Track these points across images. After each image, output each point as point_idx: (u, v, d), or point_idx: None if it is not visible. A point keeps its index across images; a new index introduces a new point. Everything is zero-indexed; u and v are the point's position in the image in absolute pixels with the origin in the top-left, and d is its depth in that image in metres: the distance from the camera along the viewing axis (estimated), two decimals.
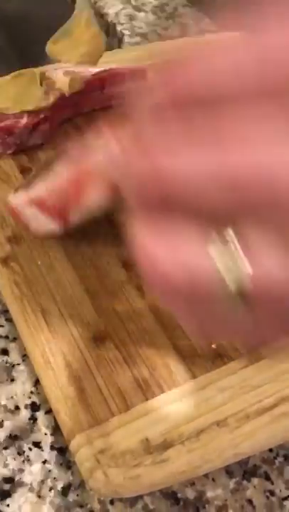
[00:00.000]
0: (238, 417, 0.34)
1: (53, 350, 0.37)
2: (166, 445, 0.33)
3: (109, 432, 0.33)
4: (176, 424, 0.33)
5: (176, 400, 0.35)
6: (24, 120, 0.49)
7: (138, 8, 0.80)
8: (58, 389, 0.35)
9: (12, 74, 0.53)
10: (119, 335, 0.38)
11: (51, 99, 0.51)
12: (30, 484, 0.34)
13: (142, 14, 0.79)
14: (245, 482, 0.34)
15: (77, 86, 0.52)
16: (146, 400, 0.35)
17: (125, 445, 0.33)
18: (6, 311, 0.42)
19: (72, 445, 0.33)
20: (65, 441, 0.34)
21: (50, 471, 0.34)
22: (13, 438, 0.36)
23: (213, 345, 0.37)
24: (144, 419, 0.34)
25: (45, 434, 0.36)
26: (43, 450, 0.35)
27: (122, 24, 0.77)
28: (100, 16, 0.80)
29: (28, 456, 0.35)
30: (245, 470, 0.35)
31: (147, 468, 0.32)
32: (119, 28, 0.76)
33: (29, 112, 0.50)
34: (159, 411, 0.34)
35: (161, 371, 0.36)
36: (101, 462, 0.32)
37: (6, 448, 0.35)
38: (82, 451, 0.33)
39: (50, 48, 0.54)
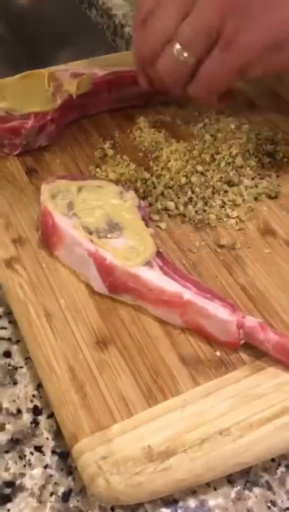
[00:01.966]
0: (241, 426, 0.34)
1: (56, 354, 0.37)
2: (168, 453, 0.32)
3: (112, 438, 0.33)
4: (178, 432, 0.33)
5: (179, 408, 0.34)
6: (31, 121, 0.49)
7: None
8: (61, 393, 0.35)
9: (20, 74, 0.53)
10: (123, 340, 0.38)
11: (58, 100, 0.51)
12: (31, 489, 0.34)
13: None
14: (246, 491, 0.34)
15: (84, 88, 0.52)
16: (149, 406, 0.35)
17: (127, 452, 0.32)
18: (9, 313, 0.42)
19: (75, 451, 0.33)
20: (67, 446, 0.34)
21: (51, 475, 0.34)
22: (14, 442, 0.36)
23: (217, 353, 0.37)
24: (147, 426, 0.34)
25: (47, 438, 0.36)
26: (44, 454, 0.35)
27: (129, 26, 0.76)
28: (108, 17, 0.80)
29: (29, 460, 0.35)
30: (246, 479, 0.35)
31: (149, 476, 0.32)
32: (126, 29, 0.76)
33: (36, 114, 0.50)
34: (162, 418, 0.34)
35: (165, 378, 0.36)
36: (103, 469, 0.32)
37: (7, 452, 0.35)
38: (84, 457, 0.32)
39: None
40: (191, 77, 0.45)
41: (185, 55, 0.43)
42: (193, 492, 0.34)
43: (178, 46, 0.43)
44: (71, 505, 0.33)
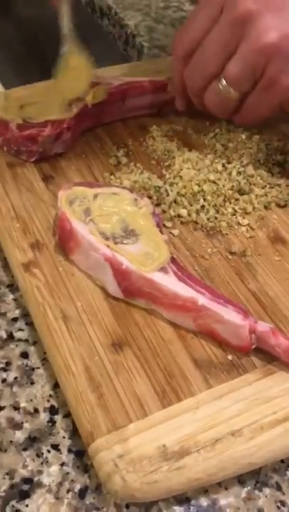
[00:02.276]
0: (253, 428, 0.35)
1: (73, 355, 0.38)
2: (182, 452, 0.34)
3: (128, 437, 0.34)
4: (192, 432, 0.34)
5: (193, 409, 0.36)
6: (48, 129, 0.51)
7: (157, 21, 0.82)
8: (78, 393, 0.36)
9: (38, 84, 0.55)
10: (138, 342, 0.39)
11: (74, 109, 0.53)
12: (49, 485, 0.35)
13: (161, 26, 0.81)
14: (257, 491, 0.35)
15: (100, 97, 0.54)
16: (164, 407, 0.36)
17: (143, 451, 0.34)
18: (26, 315, 0.43)
19: (91, 449, 0.34)
20: (84, 444, 0.35)
21: (67, 473, 0.35)
22: (32, 440, 0.37)
23: (229, 357, 0.38)
24: (162, 426, 0.35)
25: (63, 437, 0.37)
26: (61, 453, 0.36)
27: (141, 36, 0.78)
28: (120, 26, 0.81)
29: (46, 458, 0.36)
30: (257, 480, 0.36)
31: (164, 474, 0.33)
32: (138, 39, 0.77)
33: (52, 122, 0.51)
34: (176, 419, 0.35)
35: (178, 380, 0.37)
36: (119, 467, 0.33)
37: (25, 449, 0.36)
38: (100, 455, 0.34)
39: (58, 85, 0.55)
40: (236, 108, 0.50)
41: (231, 91, 0.47)
42: (205, 491, 0.35)
43: (224, 82, 0.47)
44: (87, 502, 0.34)
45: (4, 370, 0.40)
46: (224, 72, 0.47)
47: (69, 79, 0.54)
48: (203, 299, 0.38)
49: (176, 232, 0.47)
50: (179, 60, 0.50)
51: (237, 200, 0.49)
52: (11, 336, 0.42)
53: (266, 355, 0.38)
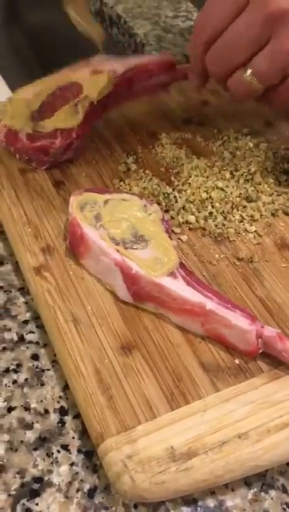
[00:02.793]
0: (259, 431, 0.35)
1: (83, 358, 0.39)
2: (190, 454, 0.34)
3: (137, 438, 0.35)
4: (200, 434, 0.35)
5: (201, 412, 0.36)
6: (58, 141, 0.51)
7: (166, 30, 0.83)
8: (88, 395, 0.37)
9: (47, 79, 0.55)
10: (146, 345, 0.40)
11: (80, 111, 0.52)
12: (58, 485, 0.36)
13: (170, 36, 0.82)
14: (263, 493, 0.36)
15: (106, 90, 0.53)
16: (172, 409, 0.36)
17: (151, 452, 0.34)
18: (36, 318, 0.44)
19: (101, 449, 0.35)
20: (93, 445, 0.36)
21: (77, 473, 0.36)
22: (42, 440, 0.37)
23: (236, 361, 0.39)
24: (170, 428, 0.35)
25: (73, 437, 0.38)
26: (70, 453, 0.37)
27: (150, 45, 0.79)
28: (129, 35, 0.83)
29: (56, 458, 0.37)
30: (263, 482, 0.36)
31: (172, 475, 0.34)
32: (147, 48, 0.79)
33: (62, 131, 0.51)
34: (184, 421, 0.36)
35: (186, 383, 0.38)
36: (128, 467, 0.34)
37: (35, 449, 0.37)
38: (110, 456, 0.34)
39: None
40: (262, 94, 0.49)
41: (255, 82, 0.47)
42: (212, 492, 0.36)
43: (249, 73, 0.46)
44: (96, 502, 0.35)
45: (15, 371, 0.41)
46: (251, 64, 0.46)
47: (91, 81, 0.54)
48: (211, 304, 0.39)
49: (184, 238, 0.48)
50: (200, 45, 0.50)
51: (244, 207, 0.50)
52: (21, 338, 0.43)
53: (273, 360, 0.39)
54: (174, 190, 0.51)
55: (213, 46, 0.48)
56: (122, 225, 0.44)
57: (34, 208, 0.49)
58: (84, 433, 0.38)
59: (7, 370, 0.41)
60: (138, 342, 0.40)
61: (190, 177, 0.52)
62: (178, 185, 0.51)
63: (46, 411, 0.39)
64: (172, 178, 0.52)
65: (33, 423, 0.38)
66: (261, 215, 0.50)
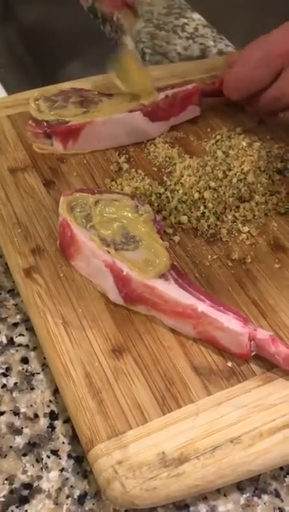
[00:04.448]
0: (252, 435, 0.35)
1: (73, 361, 0.38)
2: (182, 459, 0.34)
3: (127, 443, 0.34)
4: (191, 439, 0.35)
5: (192, 416, 0.36)
6: None
7: (159, 27, 0.82)
8: (78, 399, 0.36)
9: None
10: (138, 349, 0.39)
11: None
12: (48, 491, 0.35)
13: (162, 33, 0.81)
14: (255, 498, 0.35)
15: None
16: (163, 414, 0.36)
17: (142, 457, 0.34)
18: (26, 321, 0.43)
19: (91, 455, 0.34)
20: (83, 450, 0.35)
21: (67, 479, 0.36)
22: (31, 445, 0.37)
23: (229, 364, 0.39)
24: (161, 433, 0.35)
25: (63, 442, 0.37)
26: (60, 458, 0.36)
27: (143, 42, 0.78)
28: (122, 32, 0.82)
29: (46, 463, 0.36)
30: (256, 487, 0.36)
31: (163, 481, 0.33)
32: (140, 46, 0.78)
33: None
34: (176, 426, 0.35)
35: (178, 387, 0.37)
36: (118, 473, 0.33)
37: (25, 455, 0.36)
38: (100, 462, 0.34)
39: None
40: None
41: None
42: (204, 498, 0.35)
43: None
44: (86, 508, 0.34)
45: (4, 375, 0.40)
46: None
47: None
48: (203, 306, 0.39)
49: (176, 238, 0.47)
50: (236, 95, 0.54)
51: (237, 207, 0.49)
52: (11, 341, 0.42)
53: (266, 363, 0.38)
54: (166, 190, 0.50)
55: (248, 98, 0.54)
56: (113, 226, 0.43)
57: (24, 208, 0.48)
58: (74, 438, 0.37)
59: None
60: (129, 345, 0.40)
61: (182, 177, 0.51)
62: (170, 185, 0.51)
63: (36, 415, 0.38)
64: (164, 178, 0.52)
65: (22, 428, 0.38)
66: (254, 216, 0.49)
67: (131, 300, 0.41)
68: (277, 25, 0.54)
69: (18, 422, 0.38)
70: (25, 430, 0.38)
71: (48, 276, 0.43)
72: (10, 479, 0.35)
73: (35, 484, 0.35)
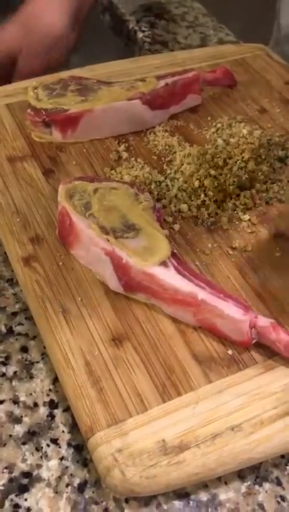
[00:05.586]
0: (253, 423, 0.35)
1: (72, 349, 0.38)
2: (182, 447, 0.33)
3: (127, 431, 0.34)
4: (192, 427, 0.34)
5: (193, 404, 0.36)
6: None
7: (159, 16, 0.82)
8: (78, 388, 0.36)
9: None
10: (138, 337, 0.39)
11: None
12: (48, 480, 0.35)
13: (163, 22, 0.80)
14: (257, 486, 0.35)
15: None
16: (163, 402, 0.36)
17: (142, 445, 0.33)
18: (25, 310, 0.43)
19: (91, 443, 0.34)
20: (83, 438, 0.35)
21: (67, 467, 0.35)
22: (31, 434, 0.37)
23: (229, 352, 0.38)
24: (161, 421, 0.35)
25: (63, 431, 0.37)
26: (60, 447, 0.36)
27: (142, 31, 0.78)
28: (121, 22, 0.81)
29: (45, 452, 0.36)
30: (257, 475, 0.36)
31: (163, 469, 0.33)
32: (140, 35, 0.77)
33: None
34: (176, 413, 0.35)
35: (178, 375, 0.37)
36: (118, 461, 0.33)
37: (24, 443, 0.36)
38: (100, 450, 0.33)
39: None
40: None
41: None
42: (204, 486, 0.35)
43: None
44: (86, 496, 0.34)
45: (4, 364, 0.40)
46: None
47: None
48: (203, 294, 0.38)
49: (176, 227, 0.47)
50: None
51: (238, 195, 0.49)
52: (10, 330, 0.42)
53: (266, 350, 0.38)
54: (166, 178, 0.50)
55: None
56: (112, 214, 0.43)
57: (23, 197, 0.48)
58: (74, 426, 0.37)
59: None
60: (129, 333, 0.39)
61: (182, 165, 0.50)
62: (170, 173, 0.50)
63: (35, 404, 0.38)
64: (164, 167, 0.51)
65: (21, 417, 0.37)
66: (255, 204, 0.49)
67: (131, 288, 0.40)
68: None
69: (17, 411, 0.38)
70: (25, 419, 0.37)
71: (47, 265, 0.43)
72: (9, 468, 0.35)
73: (34, 473, 0.35)
